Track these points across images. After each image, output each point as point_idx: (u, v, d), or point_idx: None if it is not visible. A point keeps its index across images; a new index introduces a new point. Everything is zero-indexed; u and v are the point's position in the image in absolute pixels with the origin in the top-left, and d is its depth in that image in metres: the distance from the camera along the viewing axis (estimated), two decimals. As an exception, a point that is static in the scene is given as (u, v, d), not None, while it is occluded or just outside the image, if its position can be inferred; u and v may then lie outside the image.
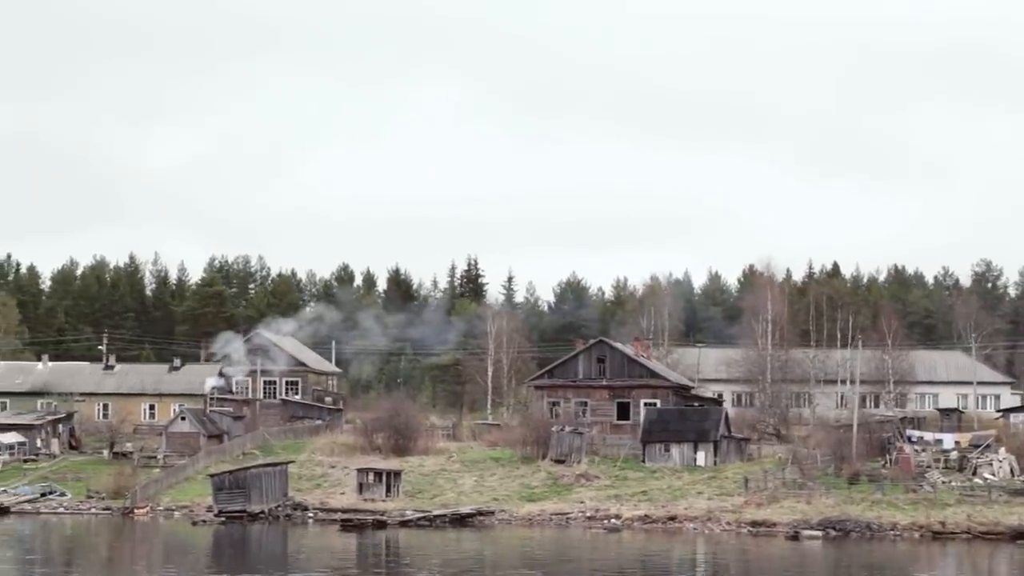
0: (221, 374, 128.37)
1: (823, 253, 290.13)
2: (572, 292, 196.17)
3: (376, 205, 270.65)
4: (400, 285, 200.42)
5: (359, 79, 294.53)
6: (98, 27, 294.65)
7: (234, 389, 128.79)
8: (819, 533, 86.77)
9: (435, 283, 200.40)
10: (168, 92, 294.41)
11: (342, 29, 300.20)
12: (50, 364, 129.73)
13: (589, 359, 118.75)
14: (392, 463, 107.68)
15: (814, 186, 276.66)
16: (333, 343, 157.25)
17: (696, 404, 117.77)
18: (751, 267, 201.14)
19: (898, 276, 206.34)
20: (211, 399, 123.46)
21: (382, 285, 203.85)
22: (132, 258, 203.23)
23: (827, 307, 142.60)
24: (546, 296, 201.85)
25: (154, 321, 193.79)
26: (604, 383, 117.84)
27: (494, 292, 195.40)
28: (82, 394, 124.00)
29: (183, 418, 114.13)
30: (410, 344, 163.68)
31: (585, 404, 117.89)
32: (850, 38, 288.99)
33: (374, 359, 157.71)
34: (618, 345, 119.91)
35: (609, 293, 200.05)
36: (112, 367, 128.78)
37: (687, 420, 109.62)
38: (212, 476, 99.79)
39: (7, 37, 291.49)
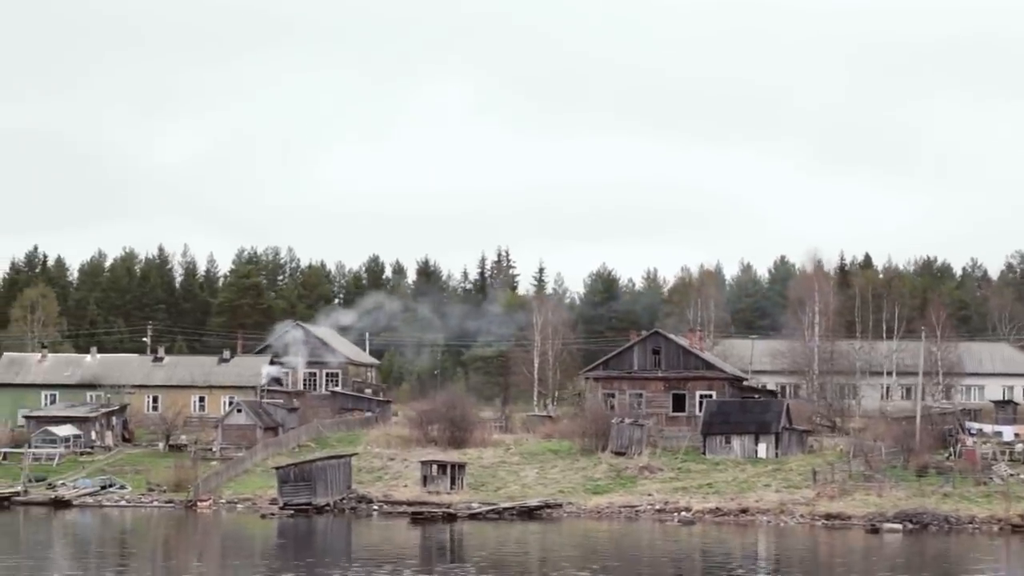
0: (274, 362, 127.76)
1: (838, 245, 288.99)
2: (603, 284, 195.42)
3: (387, 199, 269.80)
4: (429, 277, 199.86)
5: (370, 73, 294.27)
6: (108, 22, 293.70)
7: (284, 381, 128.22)
8: (899, 526, 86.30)
9: (465, 275, 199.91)
10: (178, 86, 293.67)
11: (353, 23, 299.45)
12: (98, 356, 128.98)
13: (644, 351, 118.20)
14: (451, 455, 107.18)
15: (827, 179, 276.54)
16: (367, 335, 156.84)
17: (756, 396, 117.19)
18: (782, 258, 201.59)
19: (926, 267, 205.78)
20: (262, 391, 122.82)
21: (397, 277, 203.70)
22: (161, 250, 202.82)
23: (872, 298, 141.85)
24: (575, 288, 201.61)
25: (184, 313, 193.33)
26: (660, 375, 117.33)
27: (525, 284, 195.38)
28: (132, 386, 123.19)
29: (239, 410, 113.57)
30: (443, 337, 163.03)
31: (640, 396, 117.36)
32: (863, 29, 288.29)
33: (415, 351, 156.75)
34: (673, 336, 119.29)
35: (640, 285, 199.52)
36: (161, 359, 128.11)
37: (748, 412, 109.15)
38: (277, 469, 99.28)
39: (18, 32, 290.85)
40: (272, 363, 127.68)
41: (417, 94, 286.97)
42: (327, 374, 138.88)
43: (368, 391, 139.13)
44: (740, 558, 72.98)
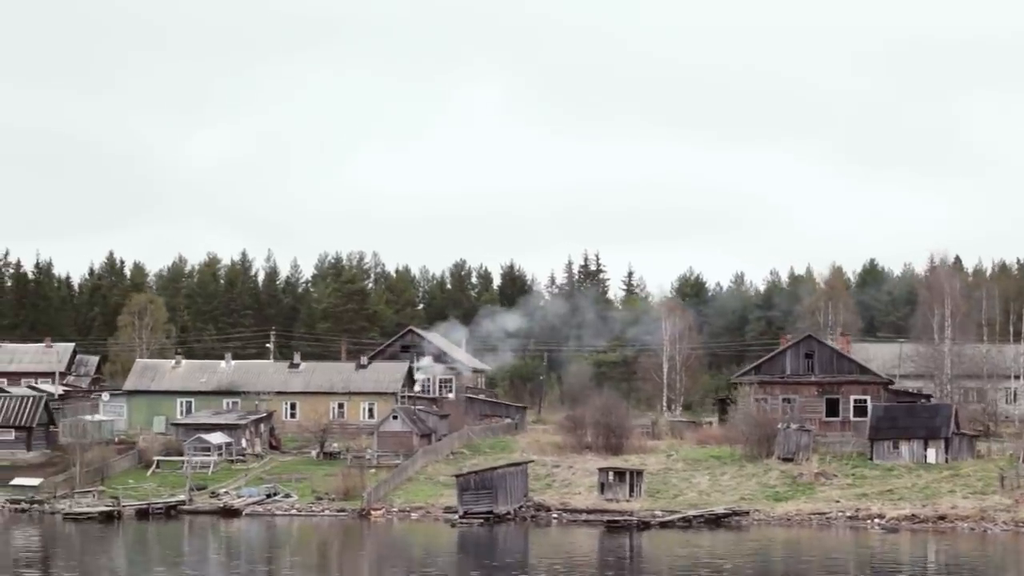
0: (418, 367, 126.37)
1: (872, 248, 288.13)
2: (691, 287, 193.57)
3: (418, 201, 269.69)
4: (515, 281, 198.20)
5: (401, 75, 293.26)
6: (141, 26, 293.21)
7: (426, 387, 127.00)
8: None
9: (552, 278, 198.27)
10: (211, 89, 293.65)
11: (386, 25, 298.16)
12: (233, 363, 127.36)
13: (797, 355, 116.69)
14: (612, 462, 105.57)
15: (862, 180, 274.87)
16: (463, 339, 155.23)
17: (923, 400, 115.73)
18: (871, 261, 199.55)
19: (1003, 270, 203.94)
20: (401, 397, 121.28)
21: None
22: (244, 255, 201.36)
23: (1000, 300, 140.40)
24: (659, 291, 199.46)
25: (269, 318, 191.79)
26: (813, 379, 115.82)
27: (615, 287, 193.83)
28: (269, 393, 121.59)
29: (395, 417, 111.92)
30: (540, 339, 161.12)
31: (792, 400, 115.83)
32: (895, 25, 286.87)
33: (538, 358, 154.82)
34: (827, 340, 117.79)
35: (727, 287, 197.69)
36: (297, 365, 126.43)
37: (915, 417, 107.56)
38: (457, 477, 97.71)
39: (51, 34, 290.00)
40: (415, 368, 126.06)
41: (449, 96, 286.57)
42: (440, 381, 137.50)
43: (482, 396, 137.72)
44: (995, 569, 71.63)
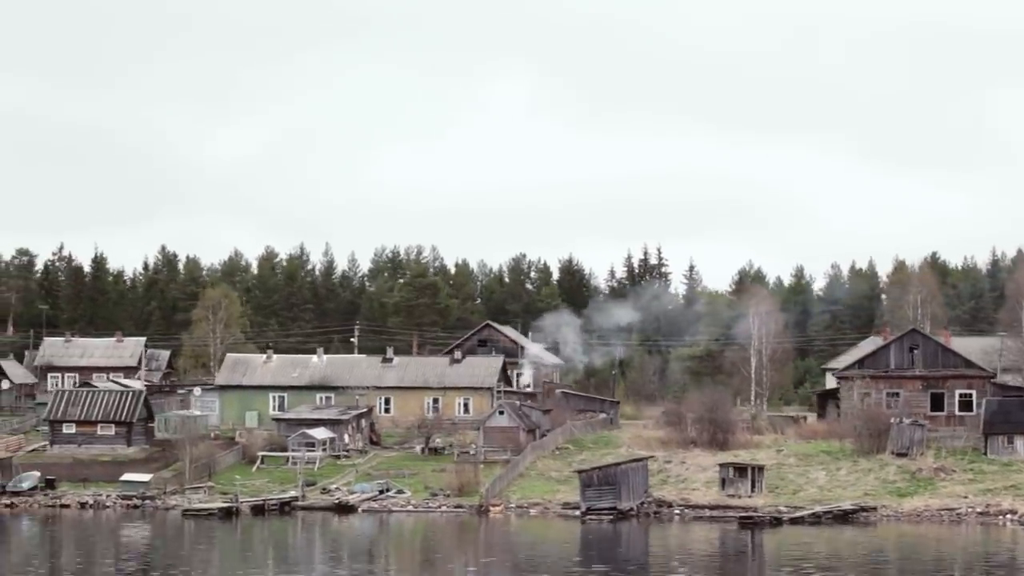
0: (522, 362, 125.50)
1: (895, 241, 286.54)
2: (752, 280, 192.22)
3: (442, 197, 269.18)
4: (574, 275, 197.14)
5: (426, 70, 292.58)
6: (168, 20, 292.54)
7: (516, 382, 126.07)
8: None
9: (612, 272, 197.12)
10: (237, 84, 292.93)
11: (413, 20, 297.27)
12: (325, 358, 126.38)
13: (901, 349, 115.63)
14: (723, 457, 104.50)
15: (886, 173, 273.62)
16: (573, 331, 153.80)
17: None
18: (933, 255, 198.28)
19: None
20: (497, 392, 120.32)
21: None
22: (302, 249, 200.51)
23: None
24: (717, 286, 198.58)
25: (327, 313, 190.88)
26: (917, 373, 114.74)
27: (676, 281, 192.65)
28: (366, 388, 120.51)
29: (501, 412, 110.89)
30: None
31: (896, 395, 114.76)
32: (921, 19, 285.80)
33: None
34: (931, 334, 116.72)
35: (788, 282, 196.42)
36: (390, 360, 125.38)
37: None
38: (580, 473, 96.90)
39: (79, 27, 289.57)
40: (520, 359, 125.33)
41: (475, 91, 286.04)
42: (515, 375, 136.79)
43: (558, 392, 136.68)
44: None
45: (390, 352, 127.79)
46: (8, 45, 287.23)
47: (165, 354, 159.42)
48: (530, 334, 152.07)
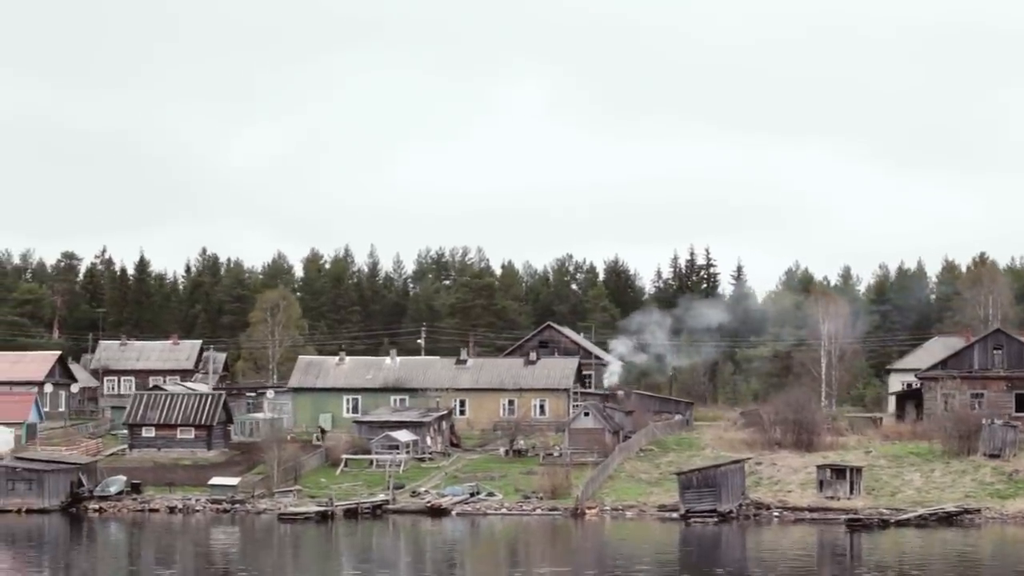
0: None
1: (915, 241, 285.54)
2: (800, 282, 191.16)
3: (462, 199, 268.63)
4: (620, 276, 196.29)
5: (445, 74, 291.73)
6: (186, 25, 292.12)
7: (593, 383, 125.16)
8: None
9: (659, 273, 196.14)
10: (255, 88, 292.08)
11: (429, 24, 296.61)
12: (398, 359, 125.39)
13: (985, 349, 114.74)
14: (812, 458, 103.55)
15: (904, 176, 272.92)
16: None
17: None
18: (982, 255, 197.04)
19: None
20: (574, 393, 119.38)
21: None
22: (347, 251, 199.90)
23: None
24: (762, 287, 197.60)
25: (372, 315, 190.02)
26: (1002, 374, 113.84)
27: (725, 283, 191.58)
28: (443, 390, 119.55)
29: (586, 414, 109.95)
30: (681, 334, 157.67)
31: (980, 396, 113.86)
32: (938, 20, 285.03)
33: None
34: (1016, 335, 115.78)
35: (835, 281, 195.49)
36: (464, 361, 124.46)
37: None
38: (679, 475, 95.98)
39: (95, 32, 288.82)
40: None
41: (491, 95, 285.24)
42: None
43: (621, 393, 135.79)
44: None
45: (464, 353, 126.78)
46: (38, 52, 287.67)
47: (222, 356, 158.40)
48: (581, 333, 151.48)
